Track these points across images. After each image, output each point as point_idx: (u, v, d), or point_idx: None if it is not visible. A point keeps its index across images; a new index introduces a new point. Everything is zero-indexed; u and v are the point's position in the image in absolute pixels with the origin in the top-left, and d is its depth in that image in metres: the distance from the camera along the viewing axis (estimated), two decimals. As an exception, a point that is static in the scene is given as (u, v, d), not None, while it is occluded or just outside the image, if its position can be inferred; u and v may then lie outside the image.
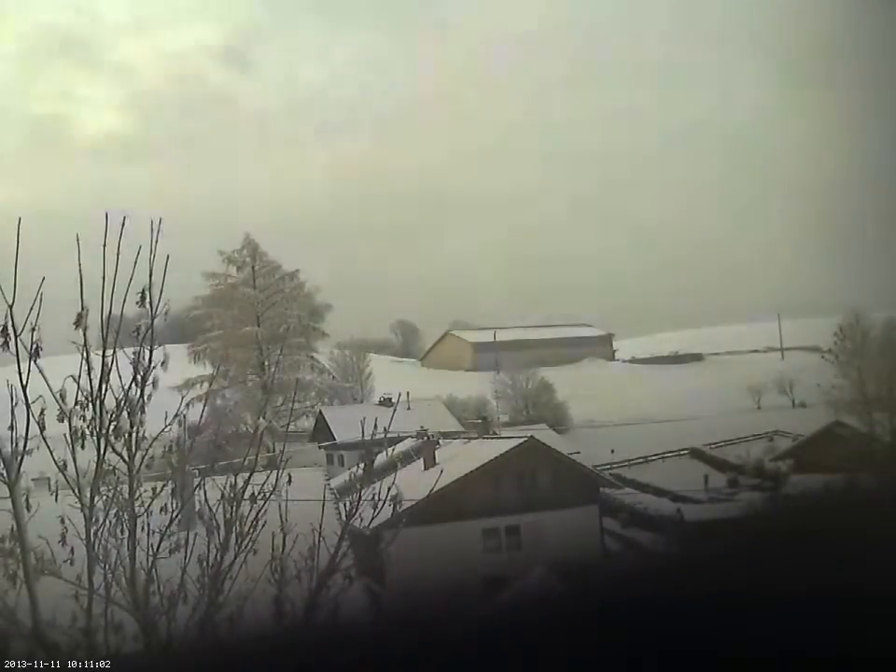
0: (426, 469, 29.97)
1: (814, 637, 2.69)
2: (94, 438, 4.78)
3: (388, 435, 5.58)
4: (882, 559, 3.02)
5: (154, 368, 4.89)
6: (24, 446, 4.69)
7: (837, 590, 2.84)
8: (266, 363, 51.88)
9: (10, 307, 4.54)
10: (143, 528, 4.79)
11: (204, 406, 7.13)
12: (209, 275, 52.35)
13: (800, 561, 3.06)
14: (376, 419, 5.56)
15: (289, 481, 5.29)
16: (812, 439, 42.23)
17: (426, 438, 34.64)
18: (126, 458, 4.86)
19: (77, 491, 4.79)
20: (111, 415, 4.77)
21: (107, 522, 4.70)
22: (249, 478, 5.13)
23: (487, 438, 35.02)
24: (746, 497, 36.38)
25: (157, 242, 4.81)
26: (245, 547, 4.93)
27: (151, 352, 4.89)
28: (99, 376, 4.75)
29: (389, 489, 5.30)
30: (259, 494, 5.05)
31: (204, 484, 5.29)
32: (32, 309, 4.57)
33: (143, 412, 4.83)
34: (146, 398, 4.85)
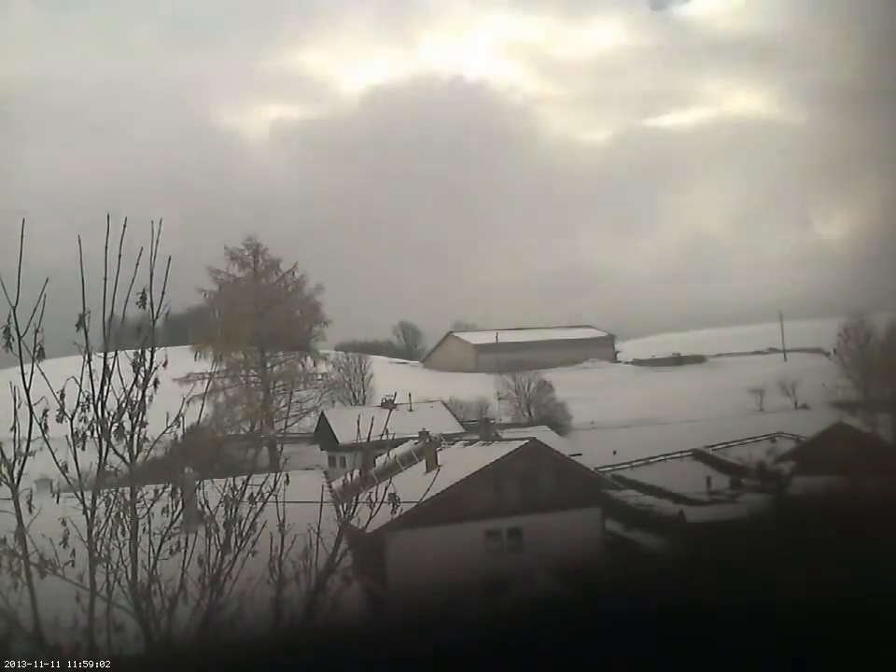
0: (427, 471, 29.94)
1: (816, 639, 2.69)
2: (96, 439, 4.78)
3: (391, 437, 5.58)
4: (884, 562, 3.02)
5: (155, 369, 4.89)
6: (27, 448, 4.69)
7: (839, 592, 2.84)
8: (268, 364, 51.84)
9: (13, 309, 4.55)
10: (144, 529, 4.79)
11: (203, 404, 7.12)
12: (213, 271, 52.22)
13: (802, 563, 3.06)
14: (373, 418, 5.56)
15: (287, 481, 5.30)
16: (815, 440, 42.12)
17: (427, 440, 34.61)
18: (127, 460, 4.87)
19: (79, 493, 4.79)
20: (112, 417, 4.78)
21: (109, 523, 4.71)
22: (248, 479, 5.14)
23: (489, 442, 34.97)
24: (748, 498, 36.29)
25: (157, 243, 4.82)
26: (245, 548, 4.93)
27: (153, 354, 4.90)
28: (101, 378, 4.75)
29: (387, 490, 5.31)
30: (257, 495, 5.05)
31: (204, 486, 5.30)
32: (35, 311, 4.58)
33: (144, 413, 4.83)
34: (147, 399, 4.85)
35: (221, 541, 4.88)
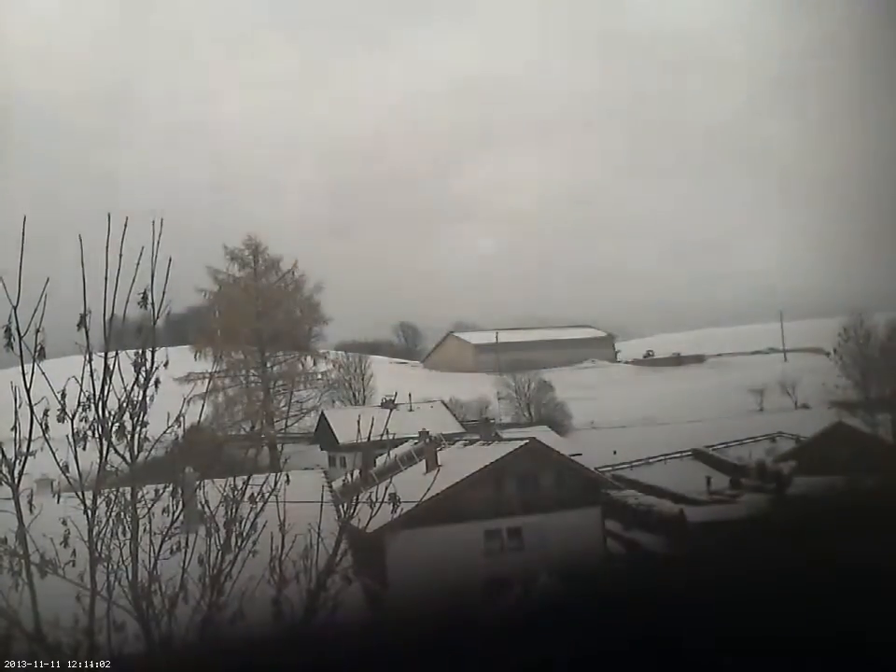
0: (427, 471, 29.96)
1: (815, 635, 2.70)
2: (97, 439, 4.79)
3: (391, 437, 5.59)
4: (884, 561, 3.03)
5: (156, 369, 4.90)
6: (28, 448, 4.70)
7: (839, 591, 2.84)
8: (269, 364, 51.84)
9: (14, 308, 4.55)
10: (144, 529, 4.79)
11: (203, 404, 7.13)
12: (213, 271, 52.12)
13: (801, 561, 3.07)
14: (373, 418, 5.56)
15: (287, 481, 5.30)
16: (815, 440, 42.14)
17: (427, 439, 34.64)
18: (128, 460, 4.87)
19: (80, 493, 4.80)
20: (113, 417, 4.78)
21: (109, 523, 4.71)
22: (248, 479, 5.14)
23: (489, 442, 34.98)
24: (748, 498, 36.29)
25: (158, 243, 4.82)
26: (245, 548, 4.93)
27: (153, 353, 4.90)
28: (101, 378, 4.76)
29: (387, 489, 5.31)
30: (258, 495, 5.06)
31: (204, 485, 5.30)
32: (36, 310, 4.58)
33: (144, 413, 4.84)
34: (147, 399, 4.85)
35: (222, 541, 4.89)
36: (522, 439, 33.39)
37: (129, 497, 4.83)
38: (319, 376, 53.58)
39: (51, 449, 4.82)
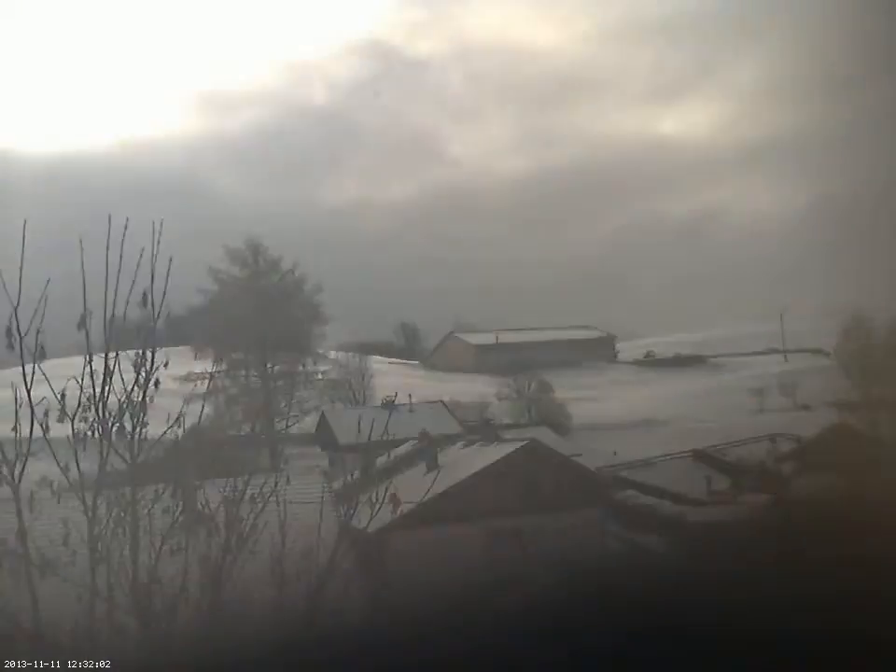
0: (427, 471, 29.97)
1: (814, 636, 2.70)
2: (97, 440, 4.79)
3: (391, 437, 5.60)
4: (884, 561, 3.03)
5: (156, 369, 4.91)
6: (28, 448, 4.70)
7: (839, 591, 2.85)
8: (269, 364, 51.85)
9: (15, 309, 4.56)
10: (145, 530, 4.80)
11: (203, 404, 7.14)
12: (213, 271, 52.02)
13: (802, 562, 3.07)
14: (373, 419, 5.57)
15: (287, 482, 5.31)
16: (815, 441, 42.11)
17: (428, 440, 34.65)
18: (128, 460, 4.88)
19: (80, 493, 4.80)
20: (113, 417, 4.79)
21: (110, 524, 4.71)
22: (248, 479, 5.15)
23: (489, 443, 34.96)
24: (748, 498, 36.28)
25: (158, 244, 4.83)
26: (246, 549, 4.93)
27: (153, 354, 4.91)
28: (102, 378, 4.76)
29: (387, 490, 5.32)
30: (258, 495, 5.06)
31: (204, 486, 5.31)
32: (36, 312, 4.59)
33: (145, 413, 4.85)
34: (147, 399, 4.86)
35: (222, 542, 4.89)
36: (522, 439, 33.33)
37: (129, 497, 4.83)
38: (319, 376, 53.60)
39: (52, 449, 4.82)
